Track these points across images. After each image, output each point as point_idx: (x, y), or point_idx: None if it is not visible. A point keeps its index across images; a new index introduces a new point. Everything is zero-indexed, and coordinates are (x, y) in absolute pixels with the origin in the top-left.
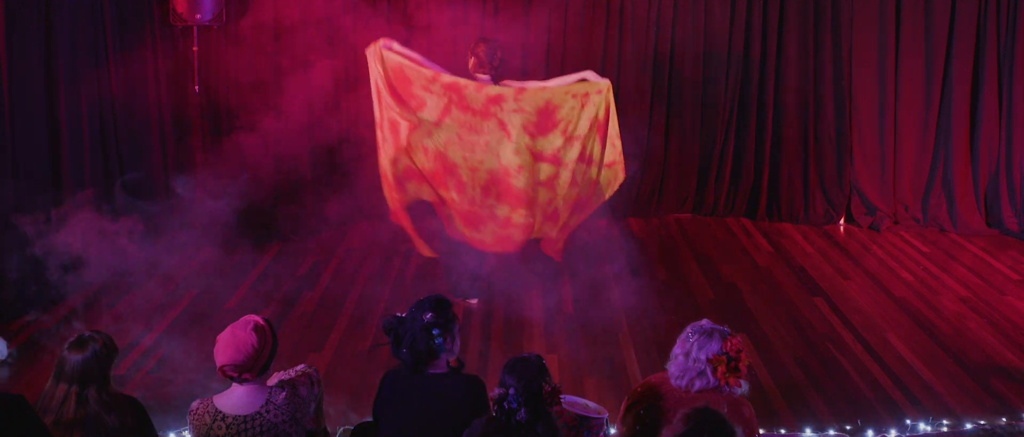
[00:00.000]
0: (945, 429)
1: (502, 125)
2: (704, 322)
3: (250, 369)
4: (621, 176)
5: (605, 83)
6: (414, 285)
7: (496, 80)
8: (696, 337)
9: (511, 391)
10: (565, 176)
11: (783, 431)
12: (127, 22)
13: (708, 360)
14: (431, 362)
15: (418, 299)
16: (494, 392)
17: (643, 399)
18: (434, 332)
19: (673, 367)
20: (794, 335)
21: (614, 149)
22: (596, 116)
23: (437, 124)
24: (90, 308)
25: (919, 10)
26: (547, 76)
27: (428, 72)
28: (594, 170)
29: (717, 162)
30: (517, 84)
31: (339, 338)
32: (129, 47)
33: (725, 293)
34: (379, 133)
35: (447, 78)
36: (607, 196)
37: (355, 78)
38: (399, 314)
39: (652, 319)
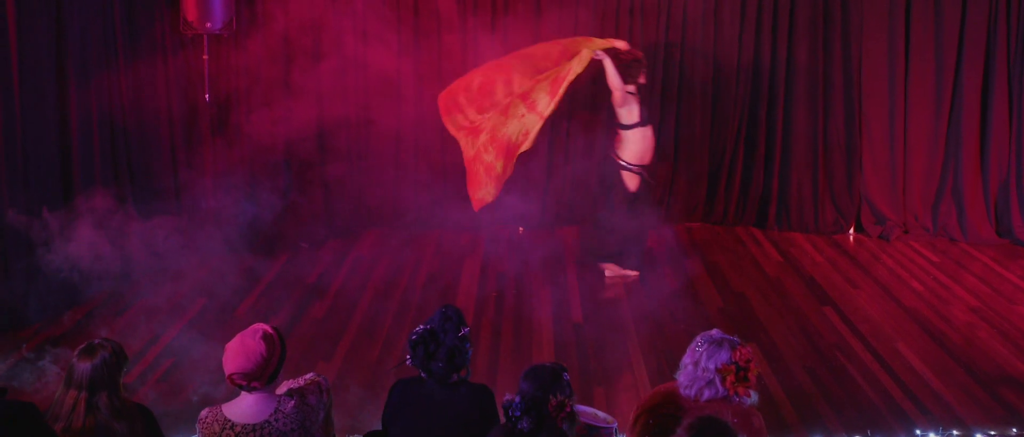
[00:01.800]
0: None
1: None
2: (714, 332)
3: (259, 377)
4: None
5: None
6: (423, 293)
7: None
8: (705, 346)
9: (516, 400)
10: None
11: None
12: (137, 31)
13: (717, 369)
14: (456, 373)
15: (440, 310)
16: (504, 398)
17: (652, 409)
18: (467, 345)
19: (682, 377)
20: (803, 344)
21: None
22: (561, 72)
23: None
24: (100, 315)
25: (929, 18)
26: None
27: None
28: (530, 119)
29: (726, 171)
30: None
31: (348, 346)
32: (139, 55)
33: (734, 302)
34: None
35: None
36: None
37: (365, 84)
38: (425, 327)
39: (661, 328)
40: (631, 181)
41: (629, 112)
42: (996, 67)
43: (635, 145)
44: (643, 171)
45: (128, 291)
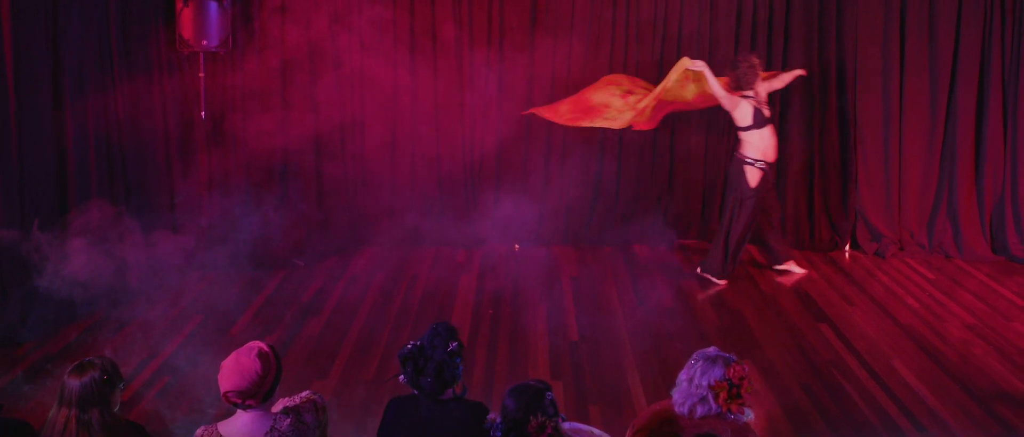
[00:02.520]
0: None
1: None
2: (710, 349)
3: (253, 395)
4: (613, 123)
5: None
6: (419, 312)
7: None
8: (700, 363)
9: (497, 420)
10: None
11: None
12: (133, 49)
13: (710, 386)
14: (448, 389)
15: (432, 327)
16: (487, 418)
17: (647, 426)
18: (458, 361)
19: (677, 394)
20: (799, 361)
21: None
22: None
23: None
24: (97, 332)
25: (923, 36)
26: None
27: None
28: (615, 102)
29: (722, 188)
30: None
31: (344, 364)
32: (135, 73)
33: (730, 319)
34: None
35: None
36: (596, 124)
37: (362, 104)
38: (414, 343)
39: (657, 346)
40: (752, 176)
41: (742, 115)
42: (990, 84)
43: (755, 144)
44: (767, 167)
45: (125, 308)
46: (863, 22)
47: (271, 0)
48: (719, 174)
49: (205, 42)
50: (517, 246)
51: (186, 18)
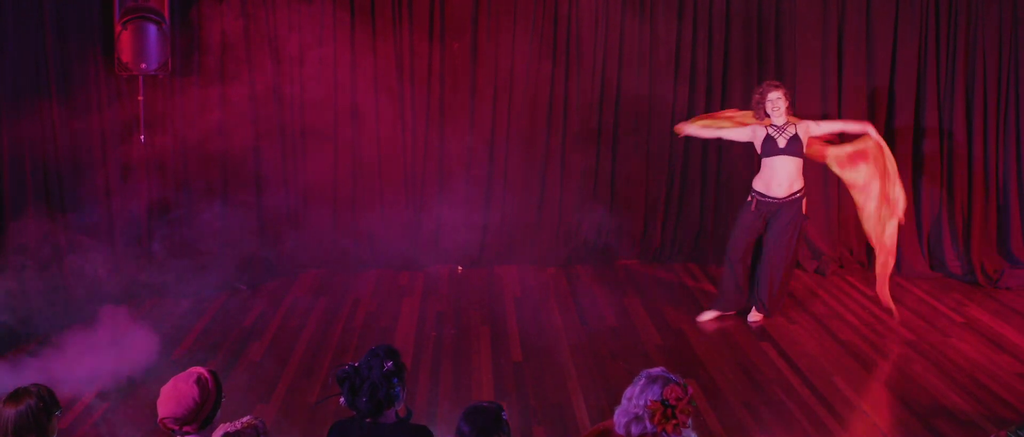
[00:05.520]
0: None
1: None
2: (657, 369)
3: (191, 422)
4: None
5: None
6: (361, 335)
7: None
8: (641, 382)
9: None
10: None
11: None
12: (71, 72)
13: (645, 406)
14: (386, 410)
15: (370, 348)
16: None
17: None
18: (394, 381)
19: (618, 412)
20: (742, 379)
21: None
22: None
23: None
24: (34, 357)
25: (861, 56)
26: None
27: None
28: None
29: (663, 208)
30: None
31: (286, 388)
32: (74, 96)
33: (673, 339)
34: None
35: None
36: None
37: (302, 129)
38: (352, 364)
39: (601, 365)
40: (747, 206)
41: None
42: (927, 104)
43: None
44: (761, 199)
45: (62, 333)
46: (801, 42)
47: (212, 25)
48: (659, 196)
49: (144, 65)
50: (460, 268)
51: (125, 41)
